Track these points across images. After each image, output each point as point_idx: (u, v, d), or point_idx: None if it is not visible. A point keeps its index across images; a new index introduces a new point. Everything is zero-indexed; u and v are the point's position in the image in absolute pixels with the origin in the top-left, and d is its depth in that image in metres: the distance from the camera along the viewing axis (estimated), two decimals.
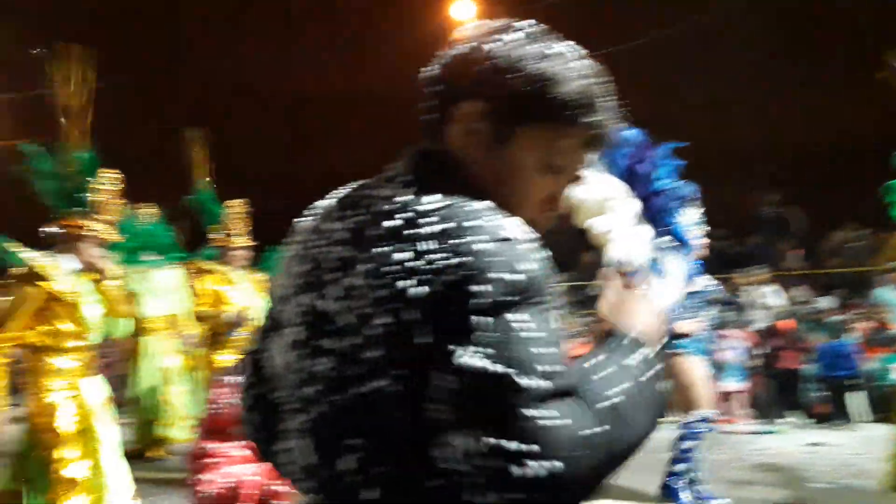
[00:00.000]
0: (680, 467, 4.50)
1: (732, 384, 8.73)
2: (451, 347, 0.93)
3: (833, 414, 8.40)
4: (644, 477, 4.64)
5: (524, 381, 0.90)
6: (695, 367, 4.57)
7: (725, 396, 8.81)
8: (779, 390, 8.78)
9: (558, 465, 0.88)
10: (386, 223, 1.02)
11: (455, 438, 0.92)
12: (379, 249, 1.00)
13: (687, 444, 4.49)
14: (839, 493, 5.10)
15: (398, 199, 1.05)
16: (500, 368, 0.91)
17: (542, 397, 0.91)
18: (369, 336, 0.99)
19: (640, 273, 4.35)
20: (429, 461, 0.95)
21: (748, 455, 6.57)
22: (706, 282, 4.69)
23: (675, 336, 4.49)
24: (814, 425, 8.24)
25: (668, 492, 4.52)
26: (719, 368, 8.76)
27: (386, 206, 1.04)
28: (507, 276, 0.94)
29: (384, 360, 0.98)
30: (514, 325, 0.93)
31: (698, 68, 14.46)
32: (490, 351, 0.91)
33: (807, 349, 8.89)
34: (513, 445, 0.88)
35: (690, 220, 4.66)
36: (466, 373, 0.91)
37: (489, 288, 0.93)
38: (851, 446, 6.81)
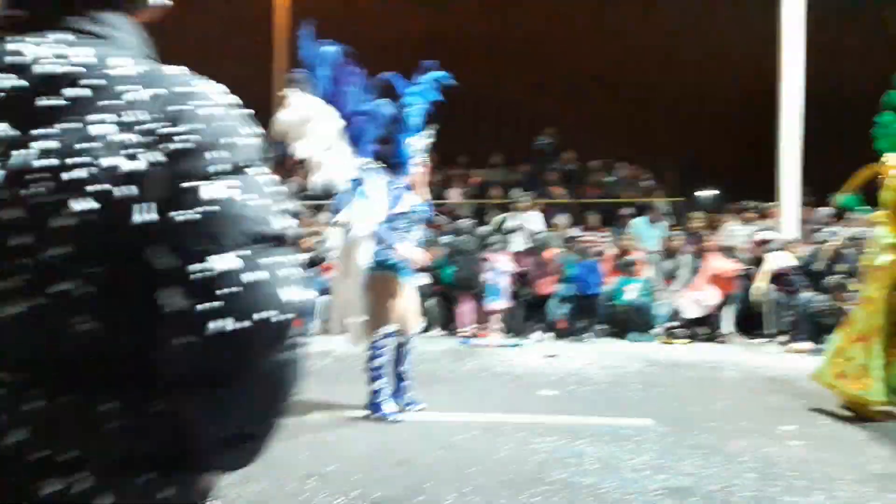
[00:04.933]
0: (375, 385, 4.69)
1: (492, 303, 9.28)
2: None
3: (573, 329, 9.25)
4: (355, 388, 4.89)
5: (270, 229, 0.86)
6: (391, 286, 4.70)
7: (486, 315, 9.39)
8: (530, 308, 9.47)
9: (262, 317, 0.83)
10: (70, 91, 0.84)
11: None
12: (65, 125, 0.83)
13: (376, 362, 4.67)
14: (563, 396, 5.62)
15: (75, 59, 0.87)
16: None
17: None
18: (55, 229, 0.81)
19: (344, 194, 4.45)
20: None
21: (493, 366, 7.03)
22: (414, 202, 4.79)
23: (384, 255, 4.62)
24: (555, 340, 9.03)
25: (372, 406, 4.72)
26: (483, 289, 9.31)
27: (58, 69, 0.86)
28: (240, 141, 0.89)
29: (78, 256, 0.82)
30: (257, 182, 0.88)
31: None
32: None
33: (559, 272, 9.64)
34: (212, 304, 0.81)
35: (416, 145, 4.79)
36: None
37: (224, 154, 0.86)
38: (580, 358, 7.54)
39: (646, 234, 10.85)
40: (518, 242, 10.42)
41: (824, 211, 10.73)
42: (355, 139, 4.63)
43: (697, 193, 16.40)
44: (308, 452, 4.04)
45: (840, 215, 10.25)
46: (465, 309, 9.33)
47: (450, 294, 9.50)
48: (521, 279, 9.60)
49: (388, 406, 4.74)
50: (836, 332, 5.37)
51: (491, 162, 14.73)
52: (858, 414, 4.86)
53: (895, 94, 4.96)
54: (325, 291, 6.72)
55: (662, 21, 17.78)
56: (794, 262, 9.05)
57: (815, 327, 8.27)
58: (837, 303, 8.08)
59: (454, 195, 13.34)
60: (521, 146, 14.92)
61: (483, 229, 10.59)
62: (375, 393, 4.72)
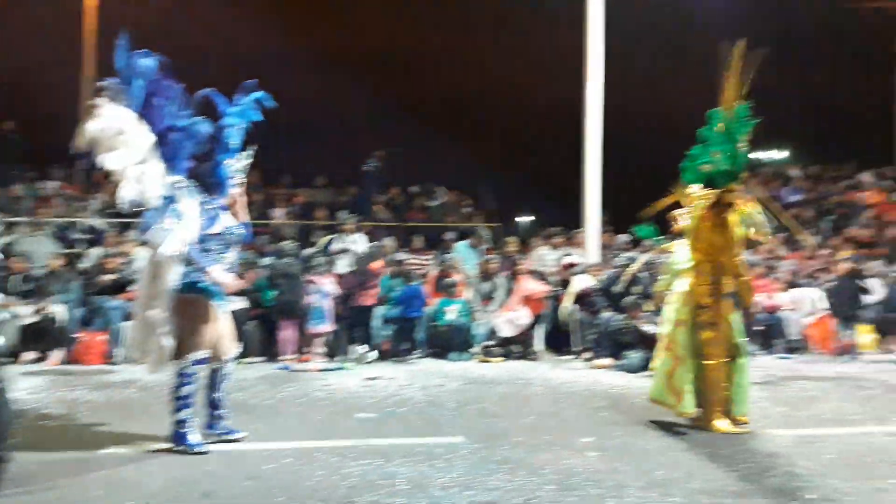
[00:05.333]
0: (182, 414, 4.48)
1: (315, 327, 9.16)
2: None
3: (397, 351, 9.36)
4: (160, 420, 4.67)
5: None
6: (202, 310, 4.54)
7: (308, 338, 9.23)
8: (353, 330, 9.44)
9: None
10: None
11: None
12: None
13: (183, 390, 4.47)
14: (380, 419, 5.65)
15: None
16: None
17: None
18: None
19: (154, 212, 4.27)
20: None
21: (313, 391, 6.92)
22: (229, 224, 4.67)
23: (194, 277, 4.47)
24: (378, 362, 9.08)
25: (176, 437, 4.49)
26: (306, 312, 9.15)
27: None
28: None
29: None
30: None
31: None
32: None
33: (381, 287, 9.71)
34: None
35: (235, 164, 4.69)
36: None
37: None
38: (400, 379, 7.64)
39: (467, 257, 11.28)
40: (343, 264, 10.39)
41: (623, 237, 11.73)
42: (169, 155, 4.41)
43: (515, 219, 17.36)
44: (103, 490, 3.76)
45: (636, 242, 11.27)
46: (287, 333, 9.12)
47: (270, 318, 9.24)
48: (345, 301, 9.56)
49: (194, 436, 4.51)
50: (661, 354, 5.74)
51: (316, 182, 14.60)
52: (696, 425, 5.28)
53: (706, 129, 5.30)
54: (128, 317, 6.29)
55: (481, 60, 18.71)
56: (596, 285, 9.80)
57: (615, 344, 8.98)
58: (633, 321, 8.83)
59: (278, 215, 13.06)
60: (349, 167, 14.96)
61: (307, 251, 10.44)
62: (180, 423, 4.48)
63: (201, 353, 4.51)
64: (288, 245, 10.06)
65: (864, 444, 4.83)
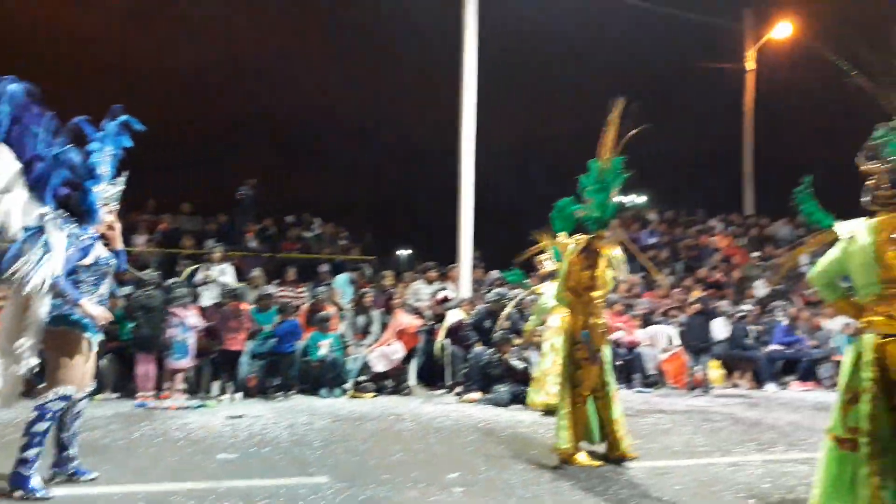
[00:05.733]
0: (31, 452, 4.16)
1: (176, 362, 8.71)
2: None
3: (264, 387, 9.05)
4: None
5: None
6: (75, 344, 4.36)
7: (168, 374, 8.76)
8: (217, 367, 9.06)
9: None
10: None
11: None
12: None
13: (39, 426, 4.18)
14: (242, 459, 5.42)
15: None
16: None
17: None
18: None
19: (20, 243, 4.02)
20: None
21: (171, 430, 6.55)
22: (102, 254, 4.54)
23: (66, 310, 4.30)
24: (244, 399, 8.75)
25: (17, 479, 4.15)
26: (167, 346, 8.69)
27: None
28: None
29: None
30: None
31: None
32: None
33: (251, 327, 9.39)
34: None
35: (107, 191, 4.55)
36: None
37: None
38: (266, 417, 7.39)
39: (345, 290, 11.17)
40: (208, 296, 9.98)
41: (494, 273, 12.04)
42: (37, 184, 4.16)
43: (396, 252, 17.43)
44: None
45: (506, 280, 11.61)
46: (145, 368, 8.61)
47: (128, 352, 8.71)
48: (209, 335, 9.17)
49: (36, 480, 4.15)
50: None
51: (182, 209, 14.00)
52: (561, 458, 5.36)
53: (585, 177, 5.51)
54: None
55: (363, 95, 18.86)
56: (468, 319, 9.96)
57: (485, 378, 9.14)
58: (502, 356, 9.03)
59: (139, 242, 12.40)
60: (219, 194, 14.50)
61: (170, 281, 9.96)
62: (24, 463, 4.12)
63: (69, 390, 4.27)
64: (149, 274, 9.56)
65: (711, 475, 5.14)
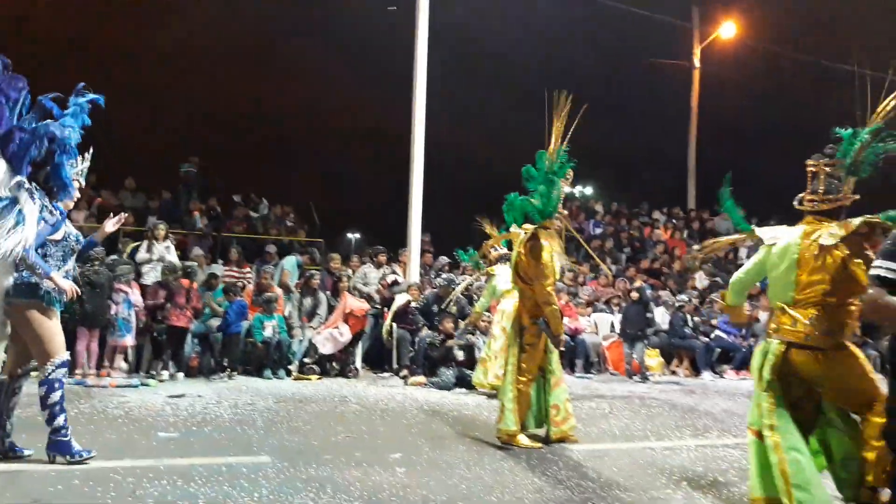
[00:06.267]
0: (58, 421, 4.41)
1: (118, 339, 8.52)
2: None
3: (206, 367, 8.93)
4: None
5: None
6: (50, 315, 4.47)
7: (109, 351, 8.56)
8: (161, 345, 8.89)
9: None
10: None
11: None
12: None
13: (54, 397, 4.40)
14: (183, 438, 5.36)
15: None
16: None
17: None
18: None
19: None
20: None
21: (110, 408, 6.43)
22: (70, 231, 4.64)
23: (34, 282, 4.37)
24: (186, 379, 8.62)
25: (58, 447, 4.42)
26: (110, 323, 8.48)
27: None
28: None
29: None
30: None
31: None
32: None
33: (195, 305, 9.23)
34: None
35: (75, 168, 4.60)
36: None
37: None
38: (208, 397, 7.31)
39: (293, 271, 11.05)
40: (151, 274, 9.76)
41: (443, 259, 12.08)
42: (13, 156, 4.05)
43: (344, 235, 17.33)
44: None
45: (456, 264, 11.68)
46: (86, 345, 8.39)
47: (67, 328, 8.44)
48: (152, 313, 8.99)
49: (75, 443, 4.49)
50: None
51: (125, 185, 13.56)
52: (503, 441, 5.45)
53: (531, 168, 5.67)
54: None
55: (314, 83, 18.64)
56: (415, 303, 10.00)
57: (430, 362, 9.21)
58: (447, 340, 9.11)
59: (79, 218, 12.00)
60: (162, 171, 14.15)
61: (113, 258, 9.68)
62: (58, 431, 4.42)
63: (62, 356, 4.46)
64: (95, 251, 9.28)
65: (647, 458, 5.32)
